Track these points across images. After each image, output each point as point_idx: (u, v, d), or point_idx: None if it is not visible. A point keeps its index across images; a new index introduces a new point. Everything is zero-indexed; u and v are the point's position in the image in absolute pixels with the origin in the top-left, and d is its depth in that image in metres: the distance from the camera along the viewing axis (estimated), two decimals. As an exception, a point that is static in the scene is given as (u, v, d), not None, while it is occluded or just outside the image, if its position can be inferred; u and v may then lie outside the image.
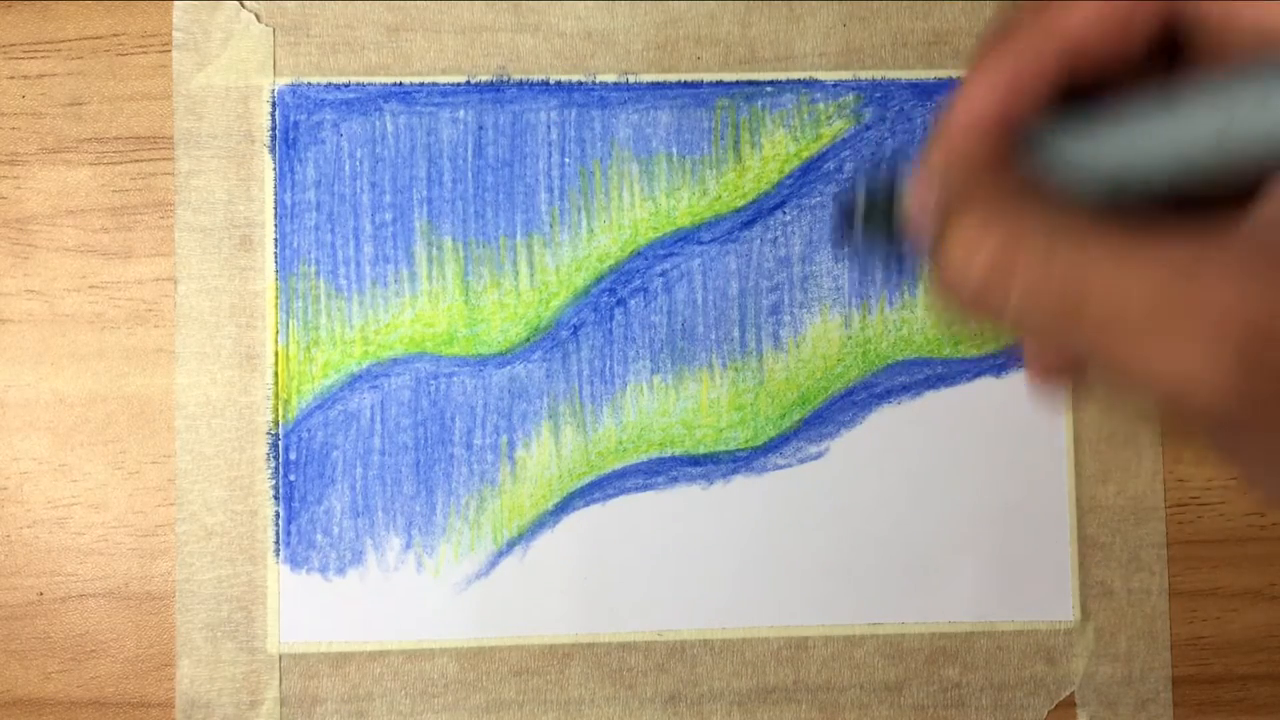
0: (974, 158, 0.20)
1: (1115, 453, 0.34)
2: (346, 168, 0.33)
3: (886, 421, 0.34)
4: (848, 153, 0.34)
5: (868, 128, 0.34)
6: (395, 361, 0.33)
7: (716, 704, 0.33)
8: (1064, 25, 0.19)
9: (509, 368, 0.33)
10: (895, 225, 0.24)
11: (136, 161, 0.33)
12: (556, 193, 0.34)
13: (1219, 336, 0.16)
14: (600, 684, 0.33)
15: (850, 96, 0.34)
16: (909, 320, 0.34)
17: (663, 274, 0.34)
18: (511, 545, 0.33)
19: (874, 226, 0.25)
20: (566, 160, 0.34)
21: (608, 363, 0.33)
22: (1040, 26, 0.19)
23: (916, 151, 0.24)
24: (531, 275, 0.34)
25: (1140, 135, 0.19)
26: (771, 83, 0.34)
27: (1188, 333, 0.16)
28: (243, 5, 0.34)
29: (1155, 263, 0.17)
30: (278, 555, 0.33)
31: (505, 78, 0.34)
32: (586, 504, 0.33)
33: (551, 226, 0.34)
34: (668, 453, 0.33)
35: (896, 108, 0.34)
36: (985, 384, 0.34)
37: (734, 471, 0.33)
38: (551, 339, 0.33)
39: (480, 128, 0.34)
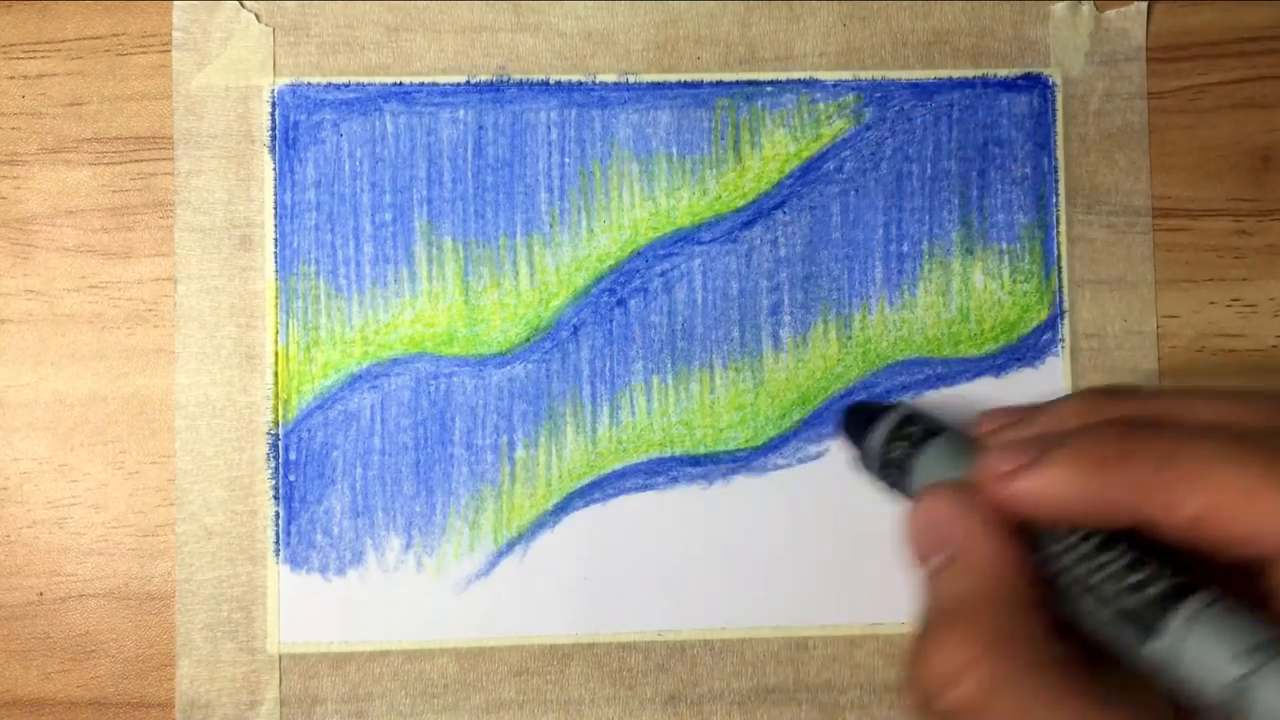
0: (997, 557, 0.21)
1: (1115, 453, 0.34)
2: (346, 168, 0.33)
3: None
4: (848, 153, 0.34)
5: (868, 128, 0.34)
6: (395, 361, 0.33)
7: (716, 704, 0.33)
8: (1170, 504, 0.19)
9: (509, 368, 0.33)
10: (902, 479, 0.25)
11: (136, 161, 0.33)
12: (556, 193, 0.34)
13: None
14: (600, 684, 0.33)
15: (850, 96, 0.34)
16: (909, 320, 0.34)
17: (663, 274, 0.34)
18: (511, 545, 0.33)
19: (884, 464, 0.26)
20: (566, 160, 0.34)
21: (607, 363, 0.33)
22: (1150, 483, 0.19)
23: (959, 422, 0.26)
24: (531, 275, 0.34)
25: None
26: (771, 83, 0.34)
27: None
28: (243, 5, 0.34)
29: None
30: (278, 555, 0.33)
31: (505, 78, 0.34)
32: (586, 504, 0.33)
33: (551, 226, 0.34)
34: (668, 453, 0.33)
35: (896, 108, 0.34)
36: (985, 384, 0.34)
37: (734, 471, 0.33)
38: (551, 339, 0.33)
39: (480, 128, 0.34)
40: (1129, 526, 0.20)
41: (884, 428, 0.27)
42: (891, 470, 0.26)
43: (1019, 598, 0.20)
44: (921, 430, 0.26)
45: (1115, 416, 0.21)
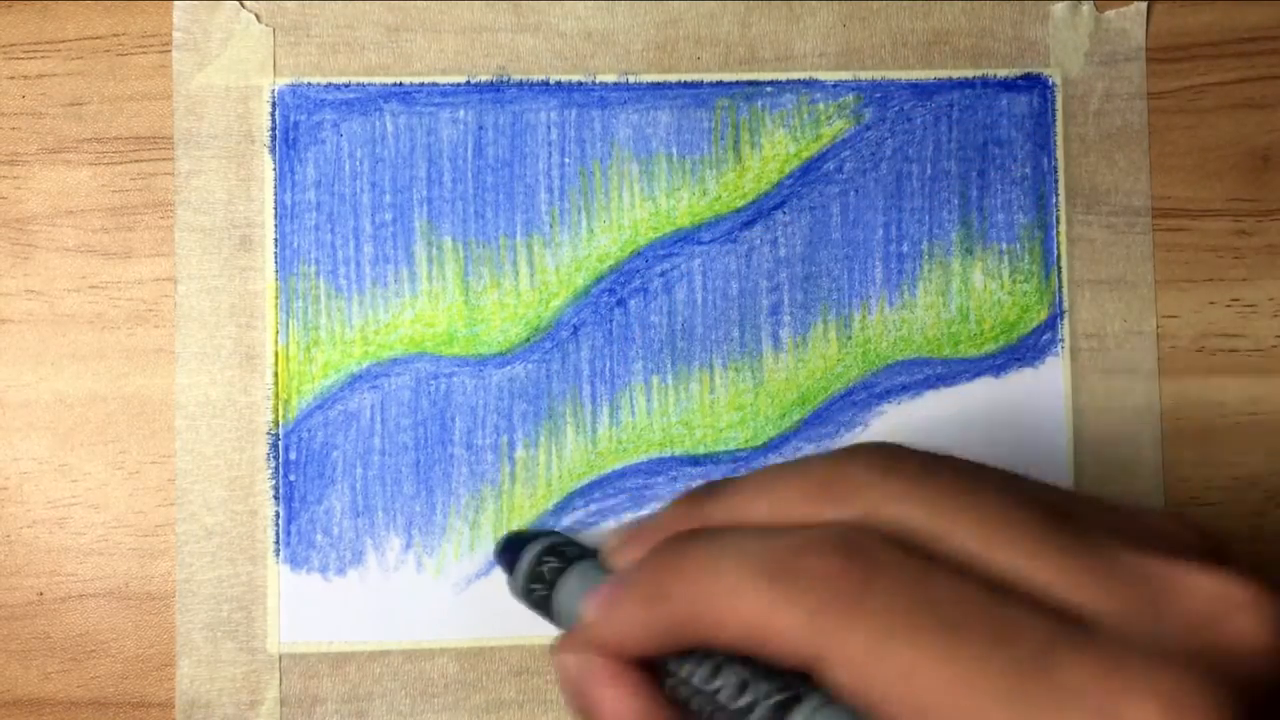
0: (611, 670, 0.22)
1: (1115, 453, 0.34)
2: (346, 168, 0.33)
3: (886, 421, 0.34)
4: (848, 153, 0.34)
5: (868, 128, 0.34)
6: (395, 361, 0.33)
7: (716, 704, 0.33)
8: (717, 626, 0.20)
9: (509, 368, 0.33)
10: (547, 606, 0.27)
11: (136, 161, 0.33)
12: (556, 193, 0.34)
13: None
14: (600, 684, 0.33)
15: (850, 96, 0.34)
16: (909, 320, 0.34)
17: (663, 274, 0.34)
18: (511, 545, 0.33)
19: (529, 592, 0.27)
20: (566, 160, 0.34)
21: (607, 363, 0.33)
22: (688, 598, 0.20)
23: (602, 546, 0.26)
24: (531, 275, 0.34)
25: None
26: (771, 83, 0.34)
27: None
28: (243, 5, 0.34)
29: None
30: (278, 555, 0.33)
31: (505, 78, 0.34)
32: (586, 504, 0.33)
33: (551, 226, 0.34)
34: (668, 453, 0.33)
35: (896, 108, 0.34)
36: (985, 384, 0.34)
37: (734, 471, 0.33)
38: (551, 339, 0.33)
39: (480, 128, 0.34)
40: (704, 647, 0.20)
41: (530, 554, 0.27)
42: (537, 598, 0.27)
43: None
44: (563, 559, 0.27)
45: (685, 529, 0.22)
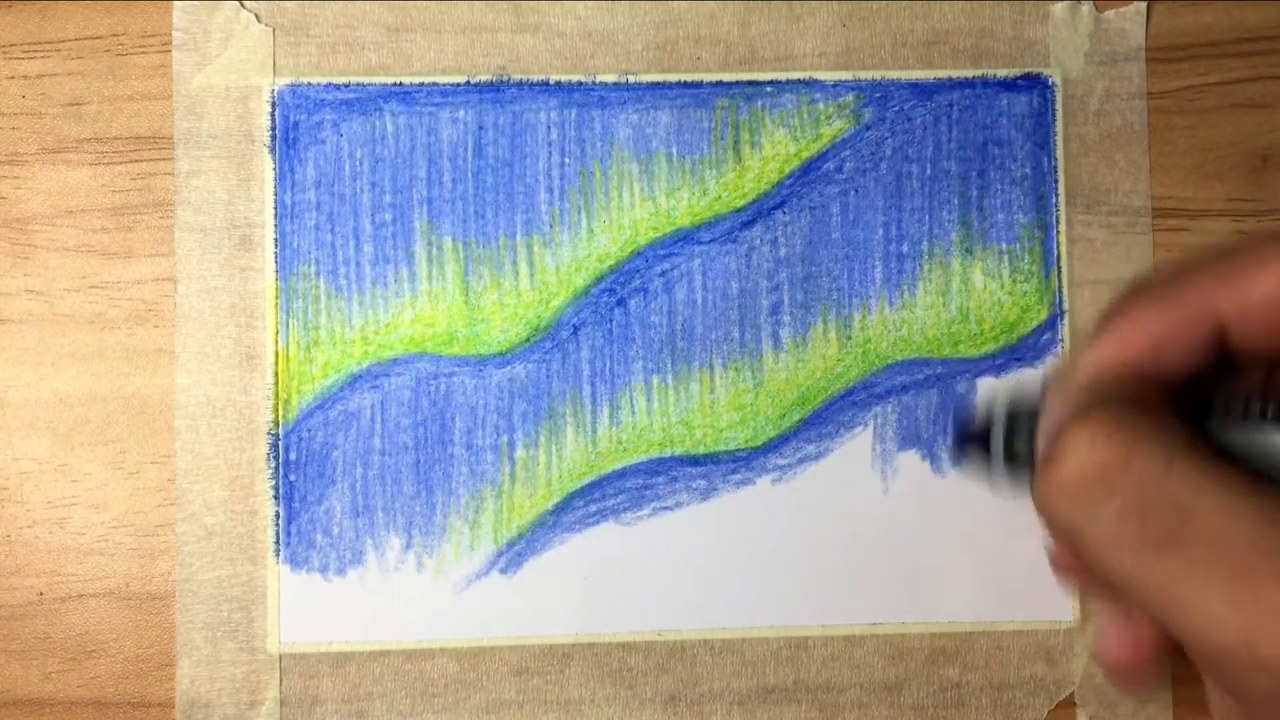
0: (1106, 385, 0.19)
1: (1115, 453, 0.34)
2: (346, 168, 0.33)
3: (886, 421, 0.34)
4: (848, 153, 0.34)
5: (868, 128, 0.34)
6: (395, 361, 0.33)
7: (716, 704, 0.33)
8: (1241, 290, 0.18)
9: (509, 368, 0.33)
10: (1021, 451, 0.24)
11: (136, 161, 0.33)
12: (556, 193, 0.34)
13: None
14: (600, 684, 0.33)
15: (850, 96, 0.34)
16: (909, 320, 0.34)
17: (663, 274, 0.34)
18: (511, 545, 0.33)
19: (1008, 453, 0.24)
20: (566, 160, 0.34)
21: (607, 363, 0.33)
22: (1217, 282, 0.18)
23: (1045, 380, 0.24)
24: (531, 275, 0.34)
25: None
26: (771, 83, 0.34)
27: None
28: (243, 5, 0.34)
29: (1270, 507, 0.16)
30: (278, 555, 0.33)
31: (505, 78, 0.34)
32: (586, 504, 0.33)
33: (551, 226, 0.34)
34: (668, 453, 0.33)
35: (896, 108, 0.34)
36: (985, 384, 0.34)
37: (734, 471, 0.33)
38: (551, 339, 0.33)
39: (480, 128, 0.34)
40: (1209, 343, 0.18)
41: (997, 445, 0.25)
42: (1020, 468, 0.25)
43: (1145, 401, 0.18)
44: (1018, 409, 0.25)
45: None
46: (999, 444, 0.24)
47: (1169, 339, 0.18)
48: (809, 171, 0.34)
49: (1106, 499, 0.17)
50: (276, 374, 0.33)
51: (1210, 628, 0.16)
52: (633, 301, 0.34)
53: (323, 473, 0.33)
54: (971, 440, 0.26)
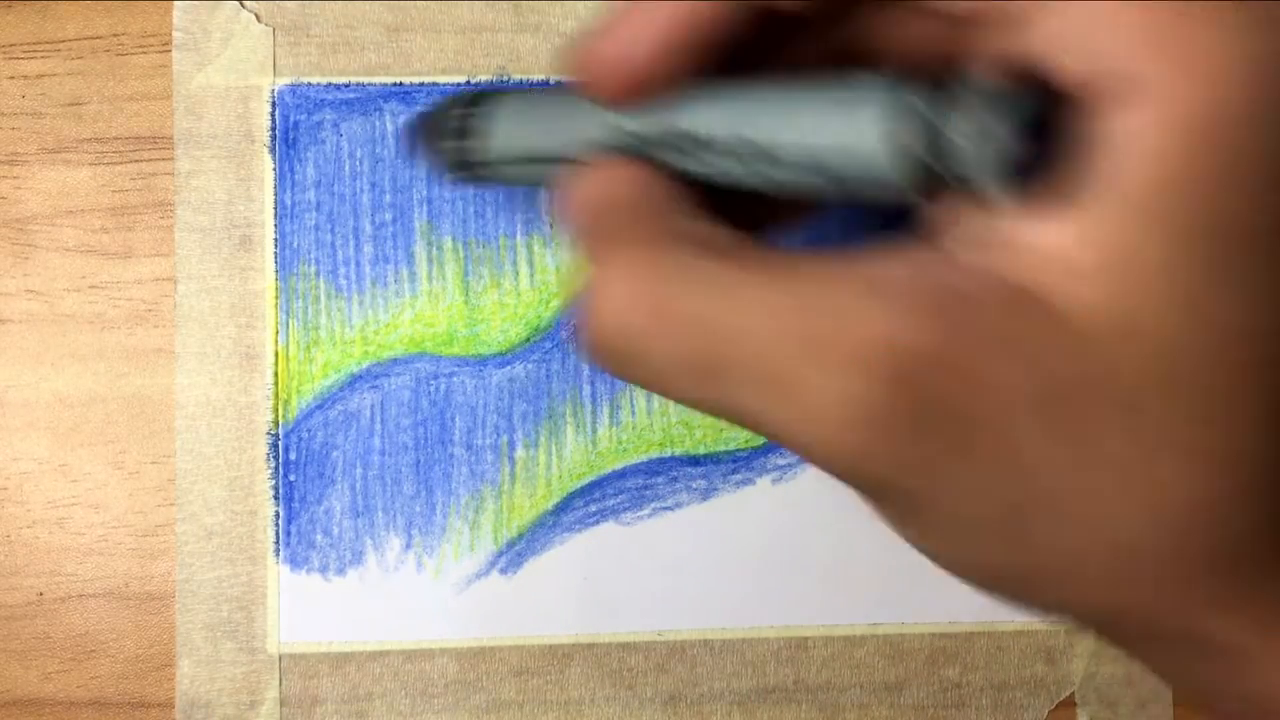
0: (619, 196, 0.18)
1: (1115, 453, 0.34)
2: (346, 168, 0.33)
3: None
4: (848, 153, 0.34)
5: (868, 128, 0.34)
6: (395, 361, 0.33)
7: (716, 704, 0.33)
8: None
9: (509, 368, 0.33)
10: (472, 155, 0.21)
11: (136, 162, 0.33)
12: (556, 193, 0.34)
13: (861, 368, 0.15)
14: (600, 684, 0.33)
15: (850, 96, 0.34)
16: (909, 320, 0.34)
17: (663, 274, 0.34)
18: (511, 545, 0.33)
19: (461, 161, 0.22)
20: (566, 160, 0.34)
21: (608, 363, 0.33)
22: None
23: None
24: (531, 275, 0.34)
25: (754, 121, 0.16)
26: (771, 83, 0.34)
27: (826, 367, 0.15)
28: (243, 5, 0.34)
29: (792, 294, 0.15)
30: (278, 555, 0.33)
31: (505, 78, 0.34)
32: (586, 504, 0.33)
33: (551, 226, 0.34)
34: (668, 453, 0.33)
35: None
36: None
37: (734, 471, 0.33)
38: (551, 339, 0.33)
39: (480, 128, 0.34)
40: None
41: (445, 113, 0.23)
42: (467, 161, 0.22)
43: (666, 214, 0.17)
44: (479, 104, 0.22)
45: None
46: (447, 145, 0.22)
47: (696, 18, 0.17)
48: (809, 171, 0.34)
49: (647, 350, 0.16)
50: (276, 374, 0.33)
51: (781, 437, 0.16)
52: (633, 301, 0.34)
53: (323, 473, 0.33)
54: (429, 134, 0.23)
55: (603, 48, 0.18)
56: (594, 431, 0.33)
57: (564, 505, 0.33)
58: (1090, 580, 0.16)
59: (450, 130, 0.23)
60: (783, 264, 0.16)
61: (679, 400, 0.17)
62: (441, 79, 0.34)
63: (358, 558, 0.33)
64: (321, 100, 0.34)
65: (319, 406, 0.33)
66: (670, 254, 0.16)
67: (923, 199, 0.16)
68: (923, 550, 0.18)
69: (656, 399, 0.33)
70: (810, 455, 0.16)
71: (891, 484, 0.16)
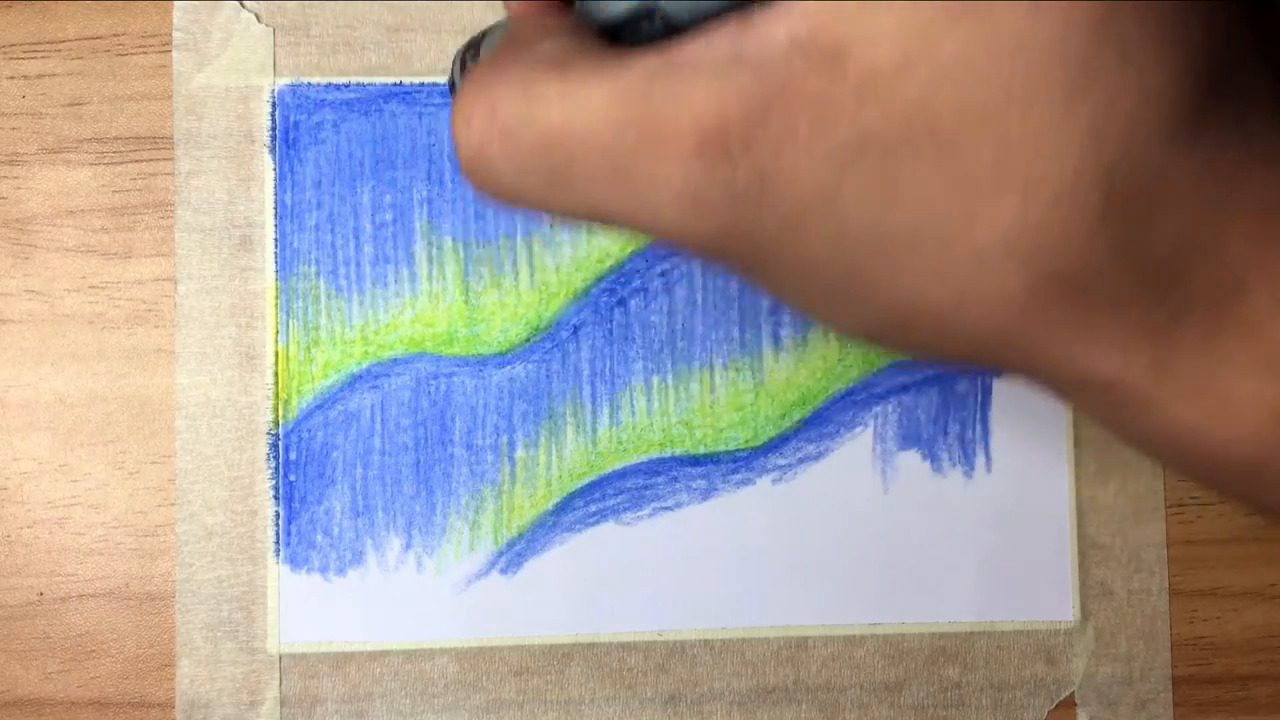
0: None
1: (1115, 453, 0.34)
2: (346, 168, 0.33)
3: (886, 421, 0.34)
4: (848, 153, 0.34)
5: (868, 128, 0.34)
6: (395, 361, 0.33)
7: (716, 704, 0.33)
8: None
9: (509, 368, 0.33)
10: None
11: (136, 162, 0.33)
12: (556, 193, 0.34)
13: (691, 148, 0.15)
14: (600, 684, 0.33)
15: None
16: (909, 320, 0.34)
17: (663, 274, 0.34)
18: (511, 545, 0.33)
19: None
20: (566, 160, 0.34)
21: (607, 363, 0.33)
22: None
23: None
24: (531, 275, 0.34)
25: None
26: (771, 83, 0.34)
27: (660, 152, 0.15)
28: (243, 5, 0.34)
29: (623, 90, 0.16)
30: (278, 555, 0.33)
31: (505, 78, 0.34)
32: (586, 504, 0.33)
33: (551, 226, 0.34)
34: (668, 453, 0.33)
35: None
36: (994, 386, 0.34)
37: (734, 471, 0.33)
38: (551, 339, 0.33)
39: (480, 128, 0.34)
40: None
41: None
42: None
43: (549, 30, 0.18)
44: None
45: None
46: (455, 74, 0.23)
47: None
48: (809, 171, 0.34)
49: (498, 167, 0.17)
50: (276, 374, 0.33)
51: (631, 226, 0.17)
52: (633, 301, 0.34)
53: (323, 473, 0.33)
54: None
55: None
56: (594, 431, 0.33)
57: (564, 505, 0.33)
58: (956, 316, 0.16)
59: (473, 46, 0.23)
60: (618, 64, 0.16)
61: (540, 209, 0.18)
62: (441, 79, 0.34)
63: (358, 558, 0.33)
64: (321, 100, 0.34)
65: (319, 406, 0.33)
66: (521, 76, 0.17)
67: None
68: (796, 311, 0.18)
69: (656, 399, 0.33)
70: (661, 239, 0.17)
71: (740, 256, 0.17)
